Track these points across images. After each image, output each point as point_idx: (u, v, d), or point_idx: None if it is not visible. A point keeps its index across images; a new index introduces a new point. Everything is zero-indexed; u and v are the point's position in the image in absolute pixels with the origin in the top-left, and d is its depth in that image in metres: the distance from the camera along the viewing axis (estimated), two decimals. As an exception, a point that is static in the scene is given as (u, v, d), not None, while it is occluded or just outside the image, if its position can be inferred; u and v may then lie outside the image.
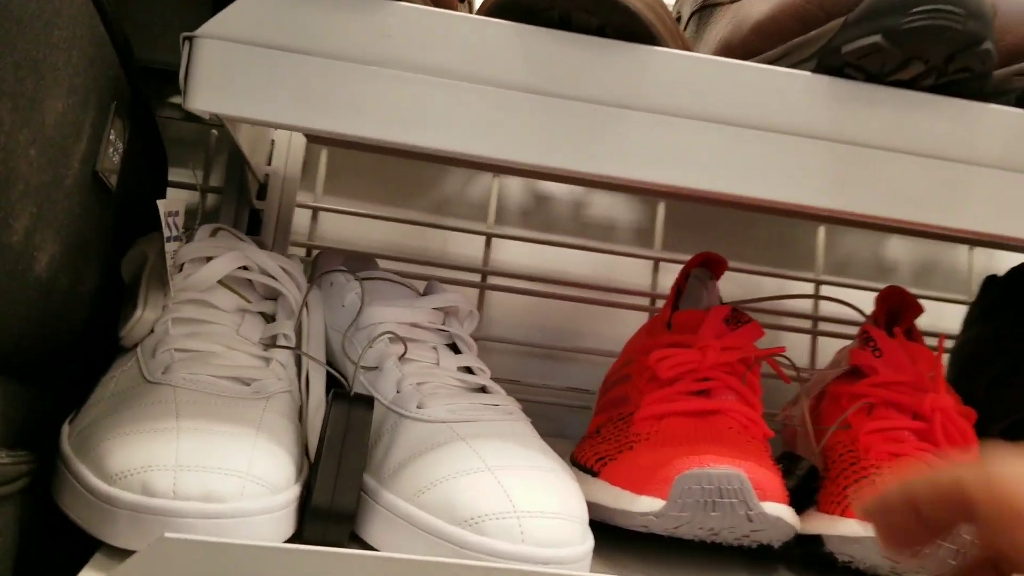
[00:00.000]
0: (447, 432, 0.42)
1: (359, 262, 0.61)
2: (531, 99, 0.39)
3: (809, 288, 0.80)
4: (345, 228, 0.77)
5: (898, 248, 0.86)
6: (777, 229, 0.83)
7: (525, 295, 0.78)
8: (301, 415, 0.46)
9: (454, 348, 0.51)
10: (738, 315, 0.54)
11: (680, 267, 0.79)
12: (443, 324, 0.51)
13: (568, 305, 0.78)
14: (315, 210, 0.75)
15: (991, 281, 0.69)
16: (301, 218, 0.76)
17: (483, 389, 0.48)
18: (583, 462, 0.51)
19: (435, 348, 0.49)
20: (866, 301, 0.84)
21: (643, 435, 0.49)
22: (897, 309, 0.61)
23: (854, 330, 0.71)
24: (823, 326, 0.81)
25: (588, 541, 0.40)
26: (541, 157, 0.39)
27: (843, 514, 0.47)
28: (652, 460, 0.45)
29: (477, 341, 0.75)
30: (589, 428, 0.57)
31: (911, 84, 0.44)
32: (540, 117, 0.39)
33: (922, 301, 0.84)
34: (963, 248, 0.85)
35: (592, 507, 0.43)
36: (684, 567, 0.46)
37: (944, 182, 0.43)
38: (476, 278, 0.77)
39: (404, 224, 0.77)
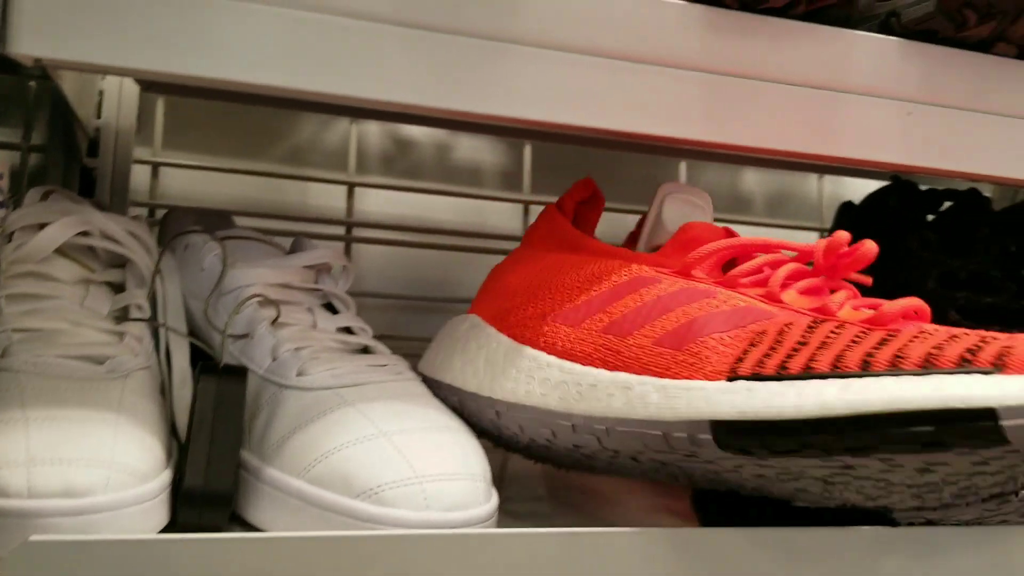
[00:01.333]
0: (333, 398, 0.39)
1: (214, 220, 0.56)
2: (397, 32, 0.36)
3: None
4: (191, 184, 0.72)
5: (752, 180, 0.88)
6: (641, 167, 0.83)
7: (392, 246, 0.75)
8: (164, 393, 0.42)
9: (331, 308, 0.48)
10: None
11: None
12: (316, 283, 0.48)
13: (437, 253, 0.76)
14: (155, 165, 0.69)
15: (847, 207, 0.71)
16: (140, 175, 0.70)
17: (366, 349, 0.45)
18: (900, 365, 0.33)
19: (310, 309, 0.45)
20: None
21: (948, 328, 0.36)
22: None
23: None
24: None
25: (493, 499, 0.38)
26: (410, 96, 0.36)
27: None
28: None
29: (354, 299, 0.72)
30: (697, 361, 0.39)
31: (782, 12, 0.44)
32: (407, 53, 0.36)
33: (778, 230, 0.87)
34: (813, 177, 0.87)
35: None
36: (593, 513, 0.45)
37: (815, 110, 0.43)
38: (340, 231, 0.73)
39: (257, 177, 0.72)
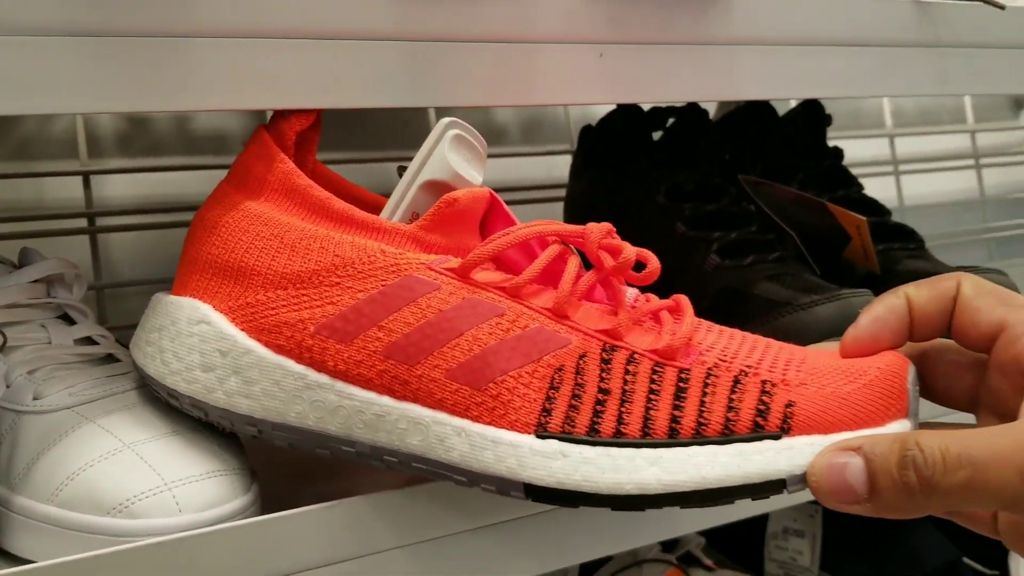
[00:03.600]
0: (73, 418, 0.39)
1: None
2: (73, 43, 0.35)
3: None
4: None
5: (505, 112, 0.90)
6: (391, 115, 0.84)
7: (143, 230, 0.73)
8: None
9: (68, 319, 0.47)
10: None
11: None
12: (49, 295, 0.46)
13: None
14: None
15: (586, 131, 0.75)
16: None
17: (110, 357, 0.44)
18: (704, 434, 0.36)
19: (44, 325, 0.44)
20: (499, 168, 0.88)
21: (737, 360, 0.37)
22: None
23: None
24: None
25: (253, 487, 0.39)
26: (97, 103, 0.36)
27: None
28: (866, 382, 0.36)
29: (103, 290, 0.70)
30: (501, 405, 0.38)
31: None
32: (86, 60, 0.35)
33: (534, 158, 0.90)
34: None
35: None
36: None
37: (511, 64, 0.45)
38: (84, 223, 0.70)
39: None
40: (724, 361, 0.37)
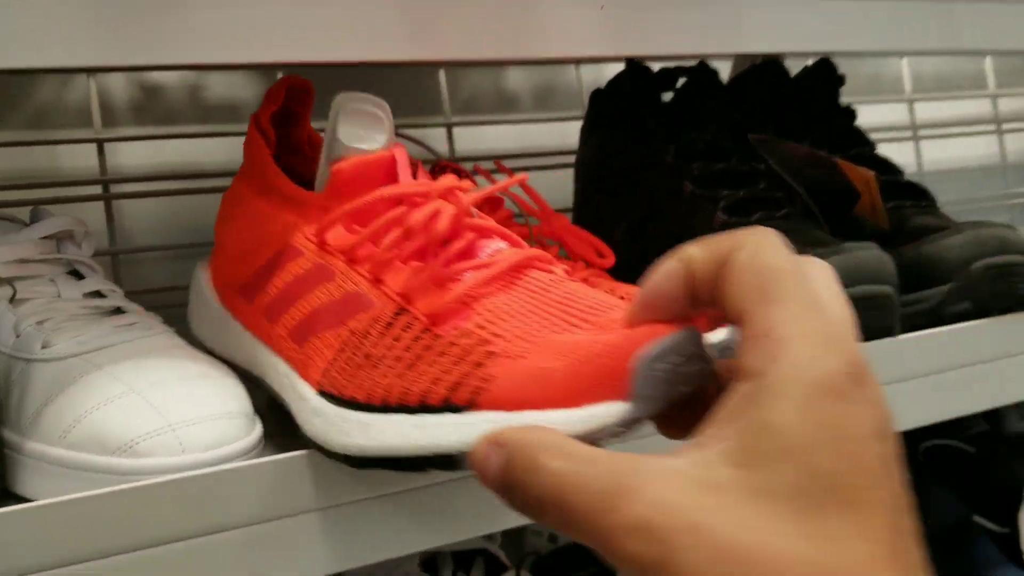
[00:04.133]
0: (82, 365, 0.40)
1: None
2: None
3: (442, 133, 0.83)
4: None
5: (517, 78, 0.90)
6: (399, 80, 0.84)
7: (157, 196, 0.74)
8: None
9: (78, 275, 0.47)
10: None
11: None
12: (58, 252, 0.47)
13: (204, 197, 0.75)
14: None
15: (596, 94, 0.75)
16: None
17: (118, 310, 0.45)
18: (415, 403, 0.35)
19: (53, 280, 0.45)
20: (489, 135, 0.89)
21: (493, 326, 0.35)
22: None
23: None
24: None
25: (255, 431, 0.40)
26: (100, 57, 0.36)
27: None
28: (577, 358, 0.31)
29: (117, 256, 0.71)
30: (309, 361, 0.40)
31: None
32: (90, 14, 0.36)
33: (546, 125, 0.90)
34: (571, 67, 0.90)
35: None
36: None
37: (513, 17, 0.45)
38: (99, 190, 0.71)
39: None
40: (480, 328, 0.35)
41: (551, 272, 0.38)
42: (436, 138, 0.84)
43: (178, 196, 0.74)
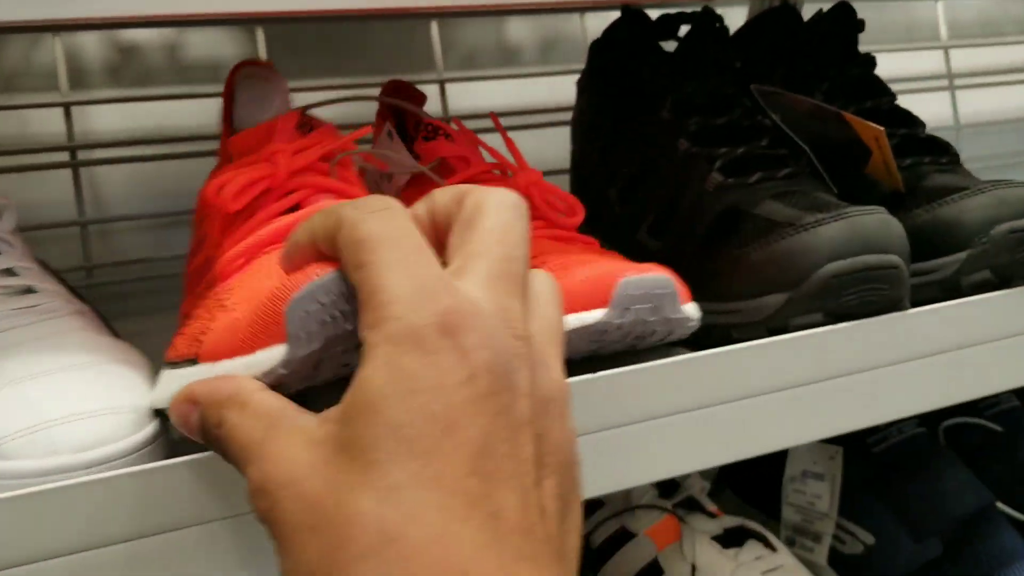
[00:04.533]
0: (-37, 353, 0.37)
1: None
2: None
3: (435, 90, 0.78)
4: None
5: (519, 30, 0.85)
6: (388, 34, 0.79)
7: (130, 162, 0.70)
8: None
9: (-5, 250, 0.44)
10: (310, 119, 0.49)
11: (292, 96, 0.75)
12: (-24, 226, 0.44)
13: (184, 163, 0.72)
14: None
15: (594, 45, 0.69)
16: None
17: (28, 289, 0.42)
18: (177, 358, 0.37)
19: (-40, 257, 0.42)
20: (497, 91, 0.83)
21: (235, 288, 0.38)
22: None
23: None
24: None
25: (144, 430, 0.36)
26: (73, 9, 0.33)
27: None
28: (253, 306, 0.33)
29: (87, 226, 0.68)
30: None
31: None
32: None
33: (547, 79, 0.85)
34: (575, 17, 0.84)
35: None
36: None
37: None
38: (66, 157, 0.68)
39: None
40: (232, 286, 0.37)
41: None
42: (429, 95, 0.79)
43: (155, 162, 0.71)
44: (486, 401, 0.25)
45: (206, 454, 0.34)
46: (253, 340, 0.33)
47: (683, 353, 0.52)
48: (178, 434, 0.34)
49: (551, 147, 0.77)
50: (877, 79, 0.65)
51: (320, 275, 0.31)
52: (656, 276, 0.43)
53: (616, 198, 0.63)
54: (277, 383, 0.32)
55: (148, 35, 0.73)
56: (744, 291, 0.51)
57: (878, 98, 0.62)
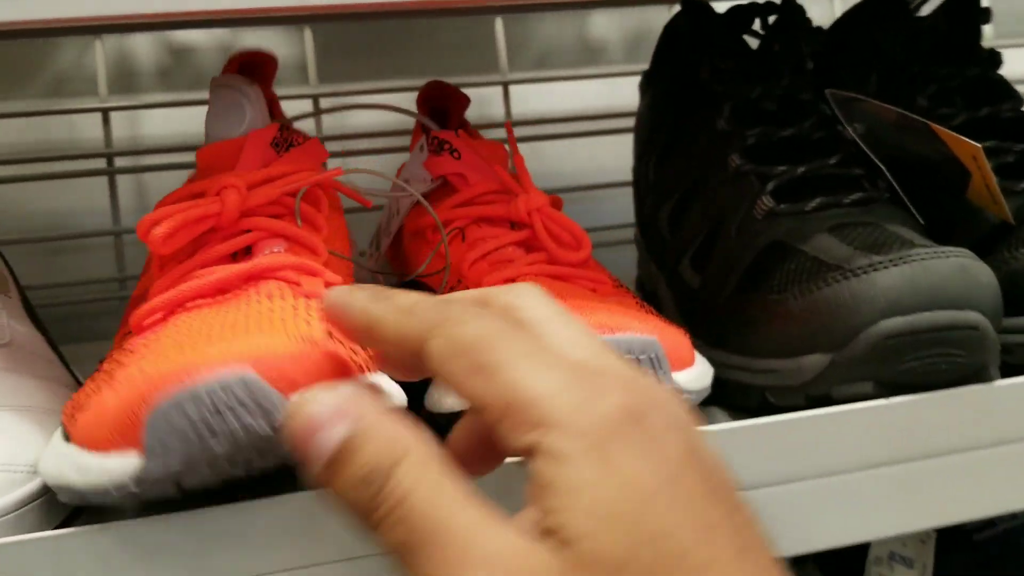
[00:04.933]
0: None
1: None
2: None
3: (498, 92, 0.71)
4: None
5: (601, 25, 0.76)
6: (447, 33, 0.73)
7: (176, 169, 0.68)
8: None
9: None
10: (291, 134, 0.44)
11: (341, 100, 0.70)
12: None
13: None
14: None
15: (659, 42, 0.60)
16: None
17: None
18: (63, 421, 0.32)
19: None
20: (572, 94, 0.75)
21: (136, 353, 0.32)
22: (442, 107, 0.53)
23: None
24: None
25: (17, 491, 0.32)
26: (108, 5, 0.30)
27: None
28: (125, 393, 0.29)
29: (121, 236, 0.66)
30: None
31: None
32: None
33: (635, 78, 0.76)
34: (664, 9, 0.75)
35: (66, 491, 0.30)
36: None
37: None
38: (127, 162, 0.66)
39: (15, 118, 0.66)
40: (138, 347, 0.32)
41: (285, 285, 0.35)
42: (491, 98, 0.72)
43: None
44: (698, 473, 0.22)
45: (97, 528, 0.30)
46: (111, 439, 0.28)
47: (723, 419, 0.43)
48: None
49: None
50: (1001, 80, 0.52)
51: (207, 379, 0.27)
52: (634, 338, 0.35)
53: (665, 220, 0.54)
54: (126, 499, 0.28)
55: (202, 37, 0.70)
56: (780, 347, 0.42)
57: (997, 104, 0.50)
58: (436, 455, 0.22)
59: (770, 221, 0.45)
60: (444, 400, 0.35)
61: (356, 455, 0.22)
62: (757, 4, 0.55)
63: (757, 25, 0.55)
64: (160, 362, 0.29)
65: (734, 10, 0.55)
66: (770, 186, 0.46)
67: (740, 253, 0.46)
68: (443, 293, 0.44)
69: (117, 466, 0.28)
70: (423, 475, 0.22)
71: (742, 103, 0.50)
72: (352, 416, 0.23)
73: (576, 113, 0.72)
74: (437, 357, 0.23)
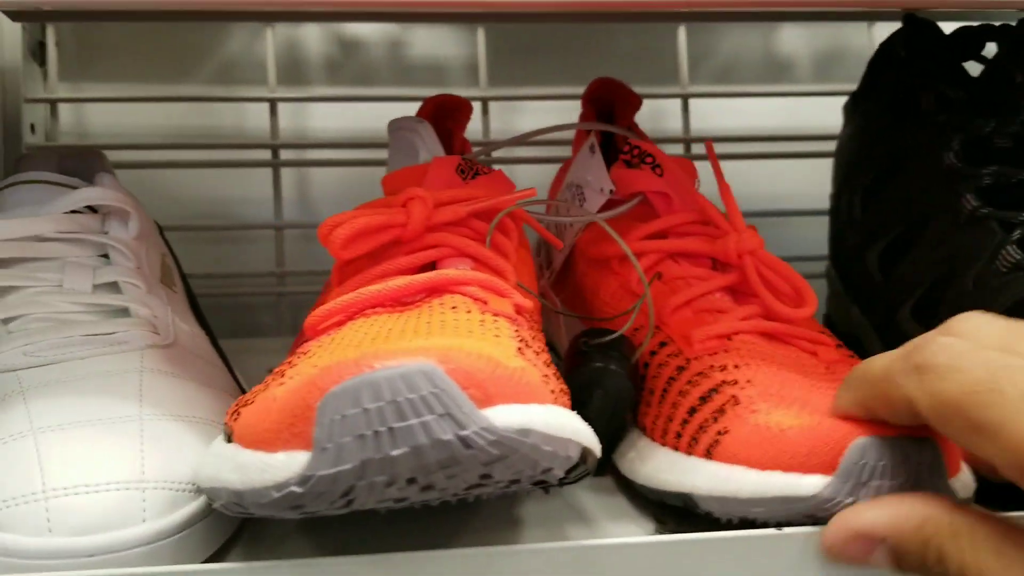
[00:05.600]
0: (12, 383, 0.32)
1: (80, 161, 0.50)
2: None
3: (677, 105, 0.67)
4: (117, 118, 0.66)
5: (791, 40, 0.71)
6: (627, 38, 0.69)
7: (340, 166, 0.66)
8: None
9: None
10: (476, 164, 0.41)
11: (510, 105, 0.67)
12: (104, 228, 0.40)
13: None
14: (51, 103, 0.63)
15: (872, 63, 0.55)
16: (66, 114, 0.64)
17: (123, 311, 0.37)
18: (226, 423, 0.30)
19: (63, 266, 0.38)
20: (754, 112, 0.71)
21: (311, 353, 0.30)
22: (609, 107, 0.49)
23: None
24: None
25: (164, 518, 0.28)
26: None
27: (706, 453, 0.32)
28: (293, 389, 0.26)
29: (282, 232, 0.64)
30: None
31: None
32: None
33: (825, 99, 0.71)
34: (863, 27, 0.70)
35: (223, 492, 0.27)
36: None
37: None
38: (289, 154, 0.65)
39: (183, 103, 0.65)
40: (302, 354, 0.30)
41: (471, 301, 0.32)
42: (665, 110, 0.68)
43: (368, 167, 0.66)
44: None
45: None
46: (277, 435, 0.25)
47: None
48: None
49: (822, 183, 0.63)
50: None
51: (387, 365, 0.24)
52: None
53: (876, 262, 0.49)
54: (289, 504, 0.25)
55: (371, 30, 0.68)
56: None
57: None
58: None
59: (1018, 275, 0.40)
60: None
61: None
62: (990, 26, 0.49)
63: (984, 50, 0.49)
64: (336, 355, 0.27)
65: (962, 31, 0.50)
66: (1016, 234, 0.41)
67: (981, 308, 0.40)
68: (643, 349, 0.39)
69: (281, 463, 0.25)
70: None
71: (975, 137, 0.45)
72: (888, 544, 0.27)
73: (758, 132, 0.67)
74: (924, 399, 0.27)
